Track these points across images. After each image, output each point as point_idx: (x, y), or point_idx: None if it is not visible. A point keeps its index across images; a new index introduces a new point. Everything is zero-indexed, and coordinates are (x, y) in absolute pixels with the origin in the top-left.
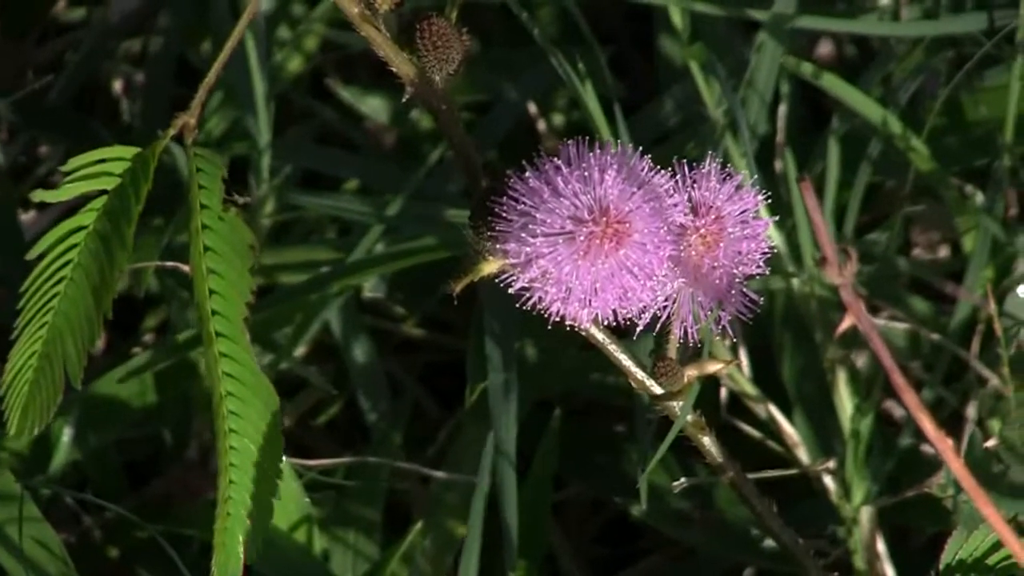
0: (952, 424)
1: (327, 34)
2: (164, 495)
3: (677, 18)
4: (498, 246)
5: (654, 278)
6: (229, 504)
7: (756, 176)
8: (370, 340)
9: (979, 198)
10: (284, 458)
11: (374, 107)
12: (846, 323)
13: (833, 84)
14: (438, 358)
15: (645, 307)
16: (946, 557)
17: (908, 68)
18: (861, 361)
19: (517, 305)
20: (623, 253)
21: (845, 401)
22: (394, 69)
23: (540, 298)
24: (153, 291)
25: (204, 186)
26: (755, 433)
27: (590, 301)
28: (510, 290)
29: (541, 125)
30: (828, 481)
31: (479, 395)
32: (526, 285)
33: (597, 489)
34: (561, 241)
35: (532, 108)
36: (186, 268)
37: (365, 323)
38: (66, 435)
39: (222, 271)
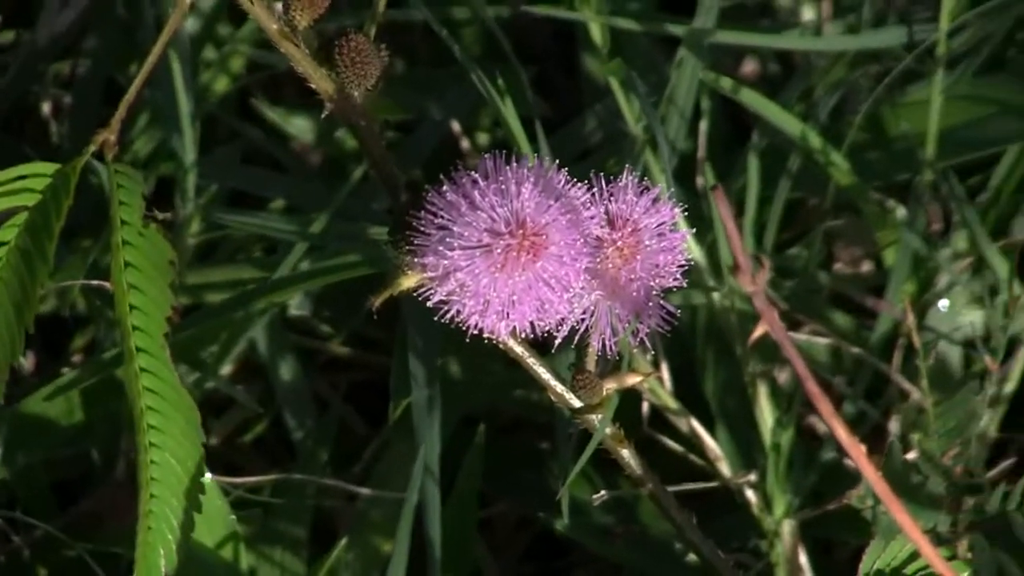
0: (875, 438)
1: (253, 54)
2: (93, 514)
3: (597, 34)
4: (417, 260)
5: (571, 290)
6: (150, 518)
7: (674, 190)
8: (296, 358)
9: (900, 212)
10: (210, 475)
11: (300, 127)
12: (759, 331)
13: (752, 99)
14: (364, 376)
15: (563, 319)
16: (864, 567)
17: (829, 83)
18: (783, 376)
19: (439, 321)
20: (540, 265)
21: (766, 415)
22: (313, 85)
23: (458, 311)
24: (81, 312)
25: (124, 202)
26: (677, 447)
27: (507, 313)
28: (429, 304)
29: (465, 143)
30: (750, 494)
31: (405, 413)
32: (444, 298)
33: (522, 505)
34: (478, 254)
35: (456, 127)
36: (110, 286)
37: (291, 341)
38: None
39: (142, 287)
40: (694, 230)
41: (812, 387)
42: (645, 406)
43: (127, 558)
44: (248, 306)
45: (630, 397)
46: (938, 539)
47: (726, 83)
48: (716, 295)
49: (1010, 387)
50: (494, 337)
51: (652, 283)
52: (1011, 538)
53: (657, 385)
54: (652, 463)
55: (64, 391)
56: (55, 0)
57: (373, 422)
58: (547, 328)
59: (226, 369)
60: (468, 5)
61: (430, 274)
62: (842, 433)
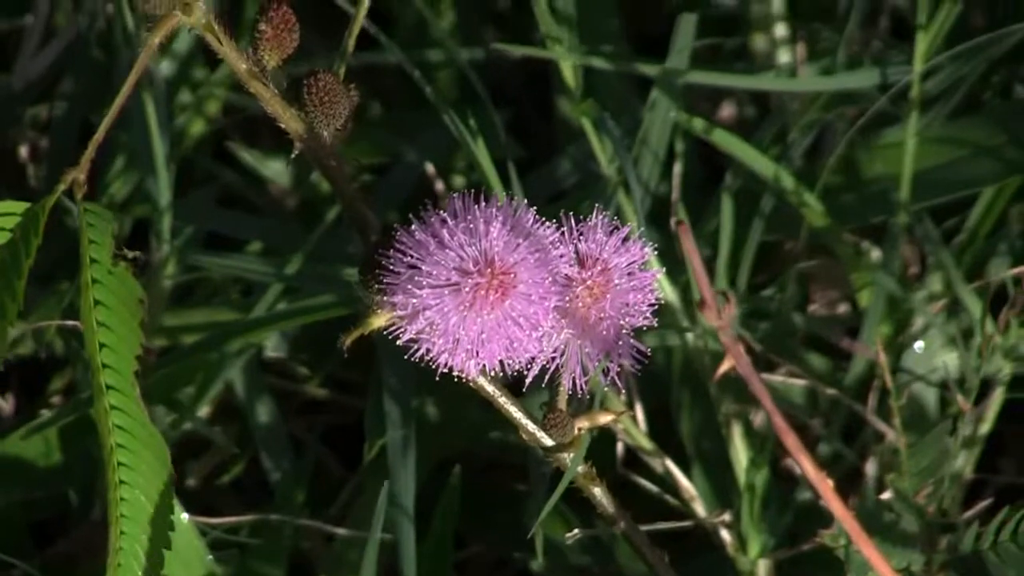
0: (852, 480)
1: (228, 97)
2: (69, 554)
3: (569, 74)
4: (386, 299)
5: (540, 328)
6: (120, 555)
7: (644, 230)
8: (273, 400)
9: (875, 254)
10: (186, 516)
11: (276, 170)
12: (725, 366)
13: (724, 140)
14: (341, 418)
15: (533, 358)
16: None
17: (804, 125)
18: (758, 417)
19: (414, 361)
20: (508, 304)
21: (741, 455)
22: (283, 125)
23: (428, 350)
24: (60, 353)
25: (94, 240)
26: (652, 487)
27: (477, 352)
28: (398, 342)
29: (439, 185)
30: (725, 535)
31: (381, 453)
32: (414, 337)
33: (498, 547)
34: (447, 292)
35: (430, 168)
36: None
37: (268, 383)
38: None
39: (112, 325)
40: (667, 271)
41: (779, 422)
42: (620, 446)
43: None
44: (223, 346)
45: (605, 437)
46: None
47: (698, 124)
48: (690, 336)
49: (985, 428)
50: (464, 376)
51: (622, 322)
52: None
53: (632, 425)
54: (628, 503)
55: (41, 431)
56: (31, 44)
57: (350, 464)
58: (517, 367)
59: (203, 410)
60: (442, 48)
61: (400, 313)
62: (809, 468)
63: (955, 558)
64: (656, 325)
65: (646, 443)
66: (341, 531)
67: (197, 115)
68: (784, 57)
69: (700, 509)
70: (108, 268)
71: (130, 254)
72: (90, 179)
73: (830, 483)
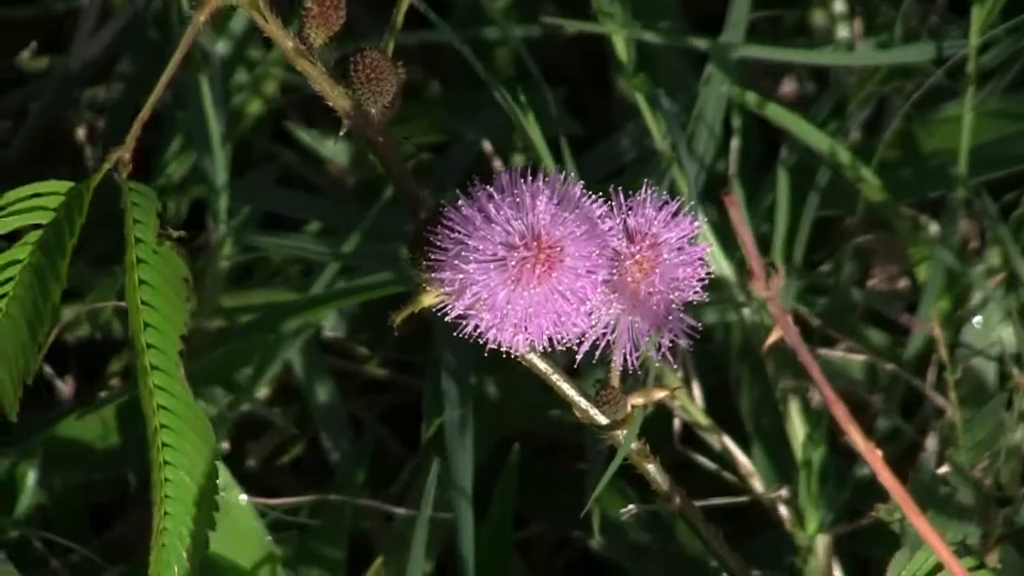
0: (911, 456)
1: (285, 77)
2: (127, 538)
3: (621, 49)
4: (434, 275)
5: (587, 303)
6: (164, 536)
7: (695, 204)
8: (332, 380)
9: (933, 228)
10: (245, 497)
11: (334, 149)
12: (773, 336)
13: (778, 114)
14: (401, 398)
15: (583, 333)
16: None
17: (861, 100)
18: (816, 394)
19: (472, 340)
20: (555, 278)
21: (798, 431)
22: (331, 103)
23: (476, 326)
24: (118, 336)
25: (139, 220)
26: (710, 464)
27: (525, 327)
28: (447, 319)
29: (497, 164)
30: (783, 511)
31: (440, 434)
32: (462, 313)
33: (559, 526)
34: (493, 267)
35: (488, 147)
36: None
37: (327, 363)
38: (31, 478)
39: (157, 304)
40: (722, 246)
41: (829, 393)
42: (677, 422)
43: None
44: (280, 326)
45: (662, 414)
46: (968, 551)
47: (752, 98)
48: (746, 311)
49: None
50: (514, 352)
51: (672, 296)
52: None
53: (688, 402)
54: (687, 480)
55: (97, 412)
56: (88, 25)
57: (410, 444)
58: (566, 342)
59: (262, 391)
60: (497, 25)
61: (447, 289)
62: (858, 439)
63: (1012, 531)
64: (707, 299)
65: (703, 419)
66: (401, 511)
67: (254, 95)
68: (843, 32)
69: (758, 485)
70: (153, 248)
71: (175, 233)
72: (147, 159)
73: (879, 454)
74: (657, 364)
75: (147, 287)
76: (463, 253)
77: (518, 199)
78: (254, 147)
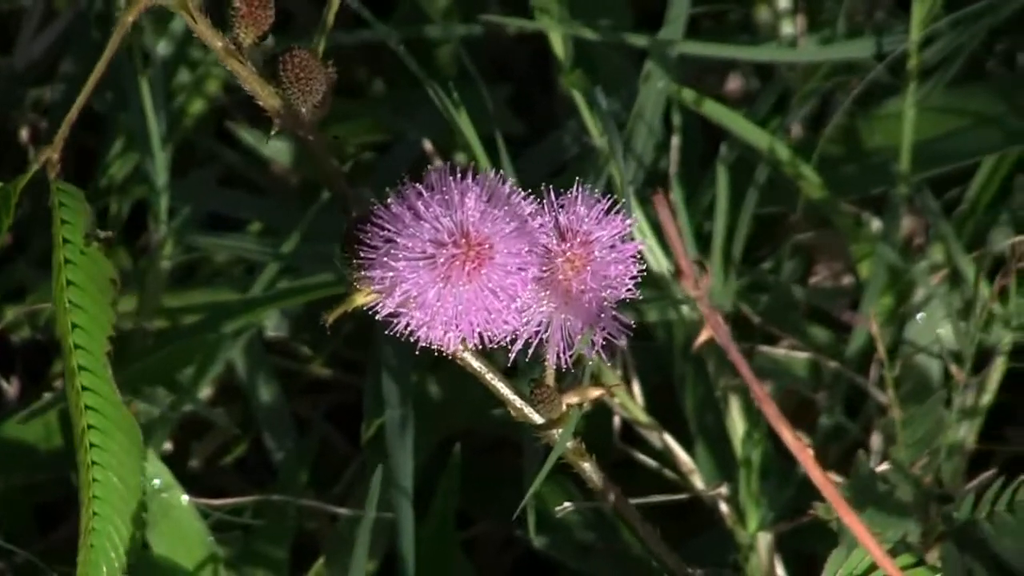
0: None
1: (228, 76)
2: (71, 538)
3: (559, 46)
4: (365, 274)
5: (518, 300)
6: (92, 536)
7: (629, 203)
8: (275, 380)
9: (875, 225)
10: (187, 498)
11: (277, 149)
12: (704, 336)
13: (716, 111)
14: (345, 397)
15: (515, 331)
16: (828, 573)
17: (802, 96)
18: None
19: (410, 339)
20: (484, 275)
21: (738, 428)
22: (261, 103)
23: (407, 324)
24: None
25: (67, 220)
26: (650, 462)
27: (455, 324)
28: (377, 318)
29: (437, 162)
30: (725, 508)
31: (385, 432)
32: (393, 311)
33: (504, 525)
34: (422, 265)
35: (428, 146)
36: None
37: (269, 363)
38: None
39: (84, 305)
40: (664, 244)
41: (758, 391)
42: (617, 420)
43: None
44: (221, 326)
45: (603, 412)
46: (908, 548)
47: (689, 95)
48: (685, 308)
49: (986, 398)
50: (444, 349)
51: (604, 294)
52: (981, 546)
53: (629, 400)
54: (633, 478)
55: (41, 414)
56: (31, 26)
57: (355, 442)
58: (498, 339)
59: (206, 391)
60: (440, 24)
61: (378, 288)
62: (789, 436)
63: (952, 529)
64: (647, 297)
65: (643, 417)
66: (343, 511)
67: (196, 94)
68: (787, 28)
69: (699, 483)
70: (81, 248)
71: (102, 234)
72: (91, 160)
73: (811, 452)
74: (591, 363)
75: (75, 288)
76: (392, 251)
77: (447, 197)
78: (197, 147)
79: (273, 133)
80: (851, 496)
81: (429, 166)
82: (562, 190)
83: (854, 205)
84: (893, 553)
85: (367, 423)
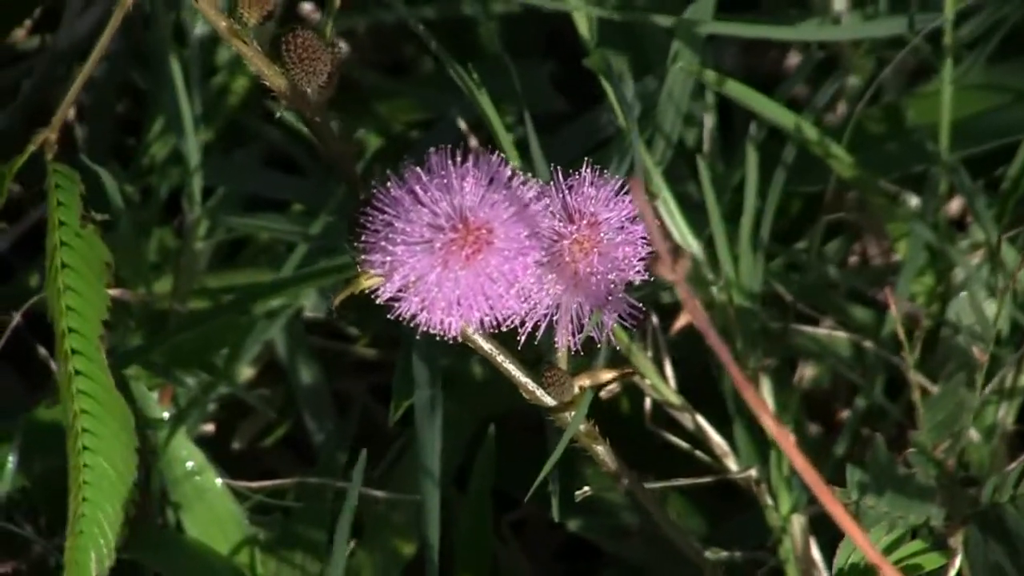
0: (901, 438)
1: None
2: None
3: (583, 25)
4: (365, 257)
5: (517, 284)
6: (82, 521)
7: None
8: (315, 360)
9: (913, 203)
10: (220, 481)
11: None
12: (682, 321)
13: (739, 92)
14: (391, 377)
15: (525, 314)
16: (839, 560)
17: (842, 73)
18: (808, 372)
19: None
20: (483, 259)
21: (769, 409)
22: (267, 82)
23: (407, 308)
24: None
25: (62, 203)
26: (683, 444)
27: (455, 309)
28: (378, 301)
29: (473, 142)
30: (761, 491)
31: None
32: (393, 296)
33: (548, 506)
34: (420, 249)
35: (463, 125)
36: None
37: (309, 343)
38: (11, 462)
39: (78, 288)
40: (691, 224)
41: (738, 376)
42: (648, 403)
43: (142, 564)
44: (251, 307)
45: (636, 394)
46: (931, 532)
47: (710, 76)
48: (713, 289)
49: None
50: (445, 334)
51: (612, 276)
52: (1005, 530)
53: (660, 382)
54: (672, 459)
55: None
56: (76, 4)
57: (401, 421)
58: (502, 323)
59: (248, 372)
60: (479, 2)
61: (378, 271)
62: (769, 421)
63: (976, 512)
64: (651, 279)
65: (674, 399)
66: (378, 493)
67: (240, 73)
68: (840, 5)
69: (733, 465)
70: (76, 231)
71: (98, 216)
72: (131, 140)
73: (792, 438)
74: (616, 345)
75: (69, 270)
76: (391, 235)
77: (446, 181)
78: (243, 126)
79: (279, 114)
80: (870, 480)
81: (472, 146)
82: (560, 170)
83: (896, 184)
84: (913, 536)
85: (395, 404)
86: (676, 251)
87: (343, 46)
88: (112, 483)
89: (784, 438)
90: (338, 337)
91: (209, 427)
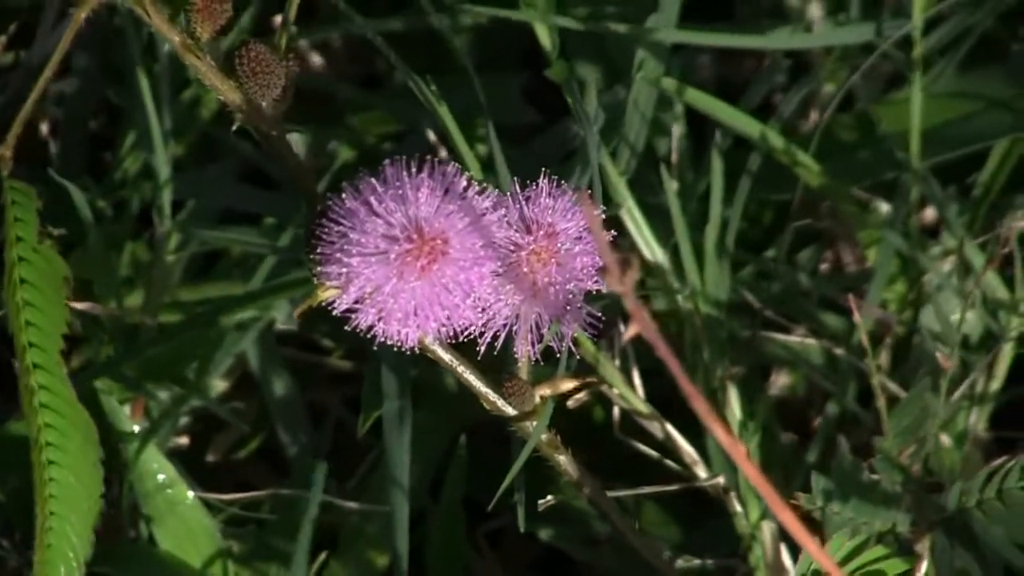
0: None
1: None
2: None
3: (544, 37)
4: (321, 269)
5: (474, 295)
6: (50, 535)
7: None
8: (288, 372)
9: (884, 210)
10: (192, 494)
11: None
12: (631, 331)
13: (699, 100)
14: None
15: (472, 324)
16: (800, 567)
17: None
18: (782, 380)
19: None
20: (438, 270)
21: (736, 417)
22: (222, 97)
23: (364, 319)
24: (77, 331)
25: (19, 218)
26: (652, 453)
27: (411, 320)
28: (335, 312)
29: (443, 153)
30: (731, 499)
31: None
32: (350, 307)
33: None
34: (375, 260)
35: (431, 136)
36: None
37: (282, 355)
38: None
39: (38, 303)
40: (656, 233)
41: (687, 386)
42: (616, 411)
43: None
44: (219, 320)
45: (608, 403)
46: (897, 538)
47: (670, 85)
48: (679, 298)
49: (995, 385)
50: (403, 345)
51: (570, 286)
52: (972, 536)
53: (628, 391)
54: (646, 468)
55: None
56: (49, 20)
57: (376, 433)
58: (459, 333)
59: (222, 385)
60: (450, 13)
61: (334, 283)
62: (719, 430)
63: (943, 518)
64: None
65: (643, 408)
66: (351, 504)
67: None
68: (816, 12)
69: (703, 473)
70: (33, 246)
71: (55, 231)
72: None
73: (741, 447)
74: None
75: (28, 286)
76: (347, 246)
77: (401, 191)
78: (215, 139)
79: (234, 128)
80: (834, 486)
81: (441, 157)
82: (517, 182)
83: (868, 191)
84: (878, 542)
85: (364, 416)
86: (624, 262)
87: (317, 58)
88: (79, 496)
89: (734, 448)
90: (312, 349)
91: (184, 440)
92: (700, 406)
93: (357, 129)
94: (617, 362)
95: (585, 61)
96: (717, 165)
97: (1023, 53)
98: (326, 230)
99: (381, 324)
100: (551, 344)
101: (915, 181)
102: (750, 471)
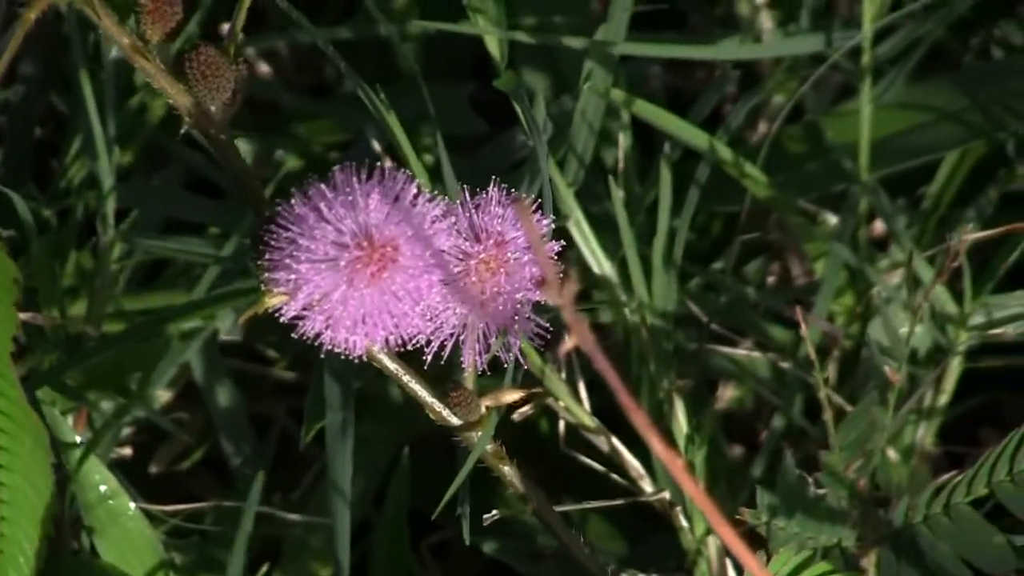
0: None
1: None
2: None
3: (494, 47)
4: (269, 275)
5: (423, 303)
6: (2, 541)
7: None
8: (232, 383)
9: (832, 222)
10: (134, 505)
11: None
12: (570, 344)
13: (647, 111)
14: None
15: (420, 333)
16: None
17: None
18: (729, 392)
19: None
20: (388, 277)
21: (683, 431)
22: (171, 100)
23: (311, 326)
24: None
25: None
26: (598, 467)
27: (360, 328)
28: (282, 320)
29: (389, 163)
30: (676, 514)
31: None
32: (298, 314)
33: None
34: (325, 267)
35: (376, 146)
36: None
37: (226, 366)
38: None
39: None
40: (603, 245)
41: (627, 400)
42: (561, 425)
43: None
44: (165, 329)
45: (553, 415)
46: (843, 553)
47: (618, 96)
48: (627, 311)
49: (943, 399)
50: (350, 353)
51: (518, 296)
52: (918, 551)
53: (573, 403)
54: (593, 481)
55: None
56: None
57: (319, 446)
58: (407, 342)
59: (166, 395)
60: (399, 21)
61: (282, 290)
62: (657, 445)
63: (889, 534)
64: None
65: (589, 421)
66: (294, 516)
67: (159, 95)
68: (766, 22)
69: (649, 487)
70: None
71: (4, 233)
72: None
73: (680, 461)
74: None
75: None
76: (295, 253)
77: (351, 198)
78: (162, 148)
79: (182, 131)
80: (778, 501)
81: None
82: (467, 190)
83: (817, 203)
84: (824, 557)
85: (307, 426)
86: (563, 274)
87: (265, 67)
88: (30, 501)
89: (672, 461)
90: (257, 359)
91: (127, 451)
92: (639, 419)
93: (303, 138)
94: (563, 374)
95: (534, 71)
96: (665, 176)
97: (974, 64)
98: (274, 236)
99: (328, 332)
100: (498, 354)
101: (864, 193)
102: (688, 485)
